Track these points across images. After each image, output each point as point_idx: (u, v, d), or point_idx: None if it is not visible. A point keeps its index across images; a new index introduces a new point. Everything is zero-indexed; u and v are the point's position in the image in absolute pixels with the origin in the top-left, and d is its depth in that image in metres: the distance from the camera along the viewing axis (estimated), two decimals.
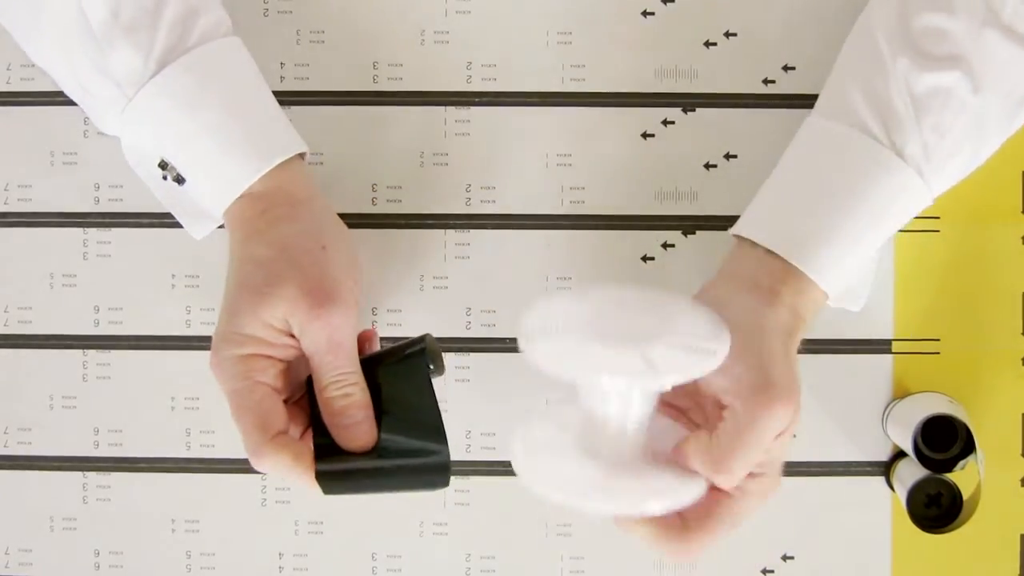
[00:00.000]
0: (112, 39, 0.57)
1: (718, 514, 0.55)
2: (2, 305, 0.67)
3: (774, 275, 0.57)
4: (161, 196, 0.61)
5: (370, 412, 0.57)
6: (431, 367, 0.58)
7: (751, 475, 0.54)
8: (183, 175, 0.59)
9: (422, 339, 0.59)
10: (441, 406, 0.66)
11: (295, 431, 0.58)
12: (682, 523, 0.55)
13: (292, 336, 0.57)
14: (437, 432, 0.57)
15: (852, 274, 0.58)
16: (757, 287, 0.57)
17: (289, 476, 0.56)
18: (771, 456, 0.55)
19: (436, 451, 0.57)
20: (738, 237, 0.59)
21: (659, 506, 0.51)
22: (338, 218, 0.61)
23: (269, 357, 0.57)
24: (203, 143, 0.58)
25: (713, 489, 0.54)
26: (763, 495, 0.55)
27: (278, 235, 0.58)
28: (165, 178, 0.59)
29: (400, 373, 0.58)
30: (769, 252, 0.57)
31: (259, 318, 0.56)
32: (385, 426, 0.57)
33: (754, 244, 0.58)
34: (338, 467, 0.57)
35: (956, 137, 0.56)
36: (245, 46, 0.60)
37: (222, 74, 0.59)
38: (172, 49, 0.58)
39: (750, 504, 0.55)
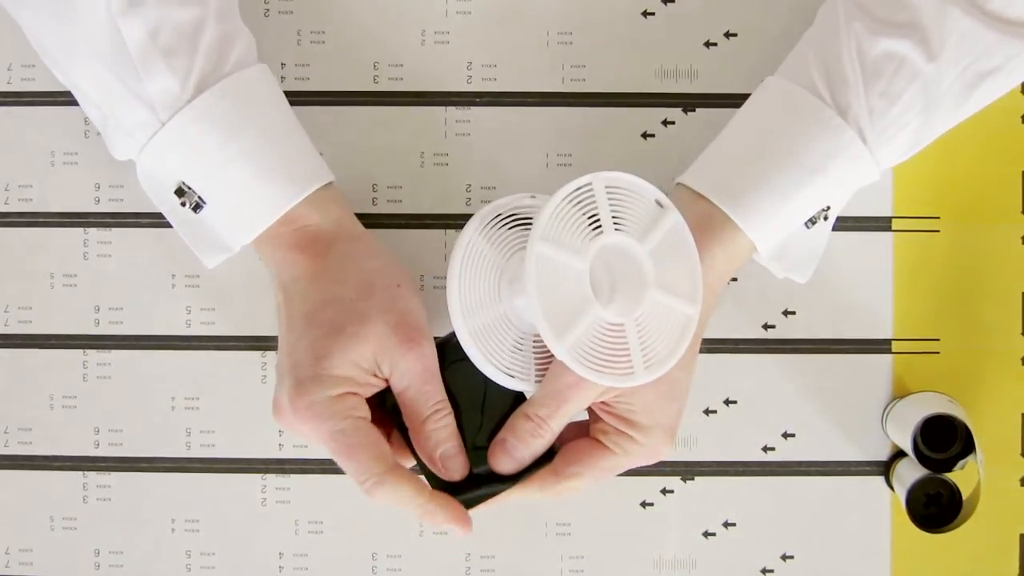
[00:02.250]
0: (149, 62, 0.57)
1: (588, 462, 0.58)
2: (2, 305, 0.67)
3: (700, 215, 0.58)
4: (175, 223, 0.61)
5: (461, 443, 0.58)
6: None
7: (622, 433, 0.58)
8: (205, 200, 0.59)
9: None
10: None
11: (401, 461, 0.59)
12: (552, 470, 0.59)
13: (375, 376, 0.57)
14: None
15: (781, 230, 0.59)
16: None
17: (408, 506, 0.56)
18: (652, 418, 0.57)
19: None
20: (677, 186, 0.60)
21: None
22: (385, 247, 0.61)
23: (357, 395, 0.57)
24: (238, 169, 0.58)
25: (589, 439, 0.59)
26: (638, 457, 0.58)
27: (357, 272, 0.58)
28: (184, 204, 0.59)
29: (465, 372, 0.58)
30: (698, 195, 0.59)
31: (349, 359, 0.56)
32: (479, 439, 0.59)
33: (687, 189, 0.59)
34: (477, 494, 0.58)
35: (905, 105, 0.56)
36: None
37: (258, 101, 0.59)
38: (210, 75, 0.57)
39: (621, 463, 0.58)
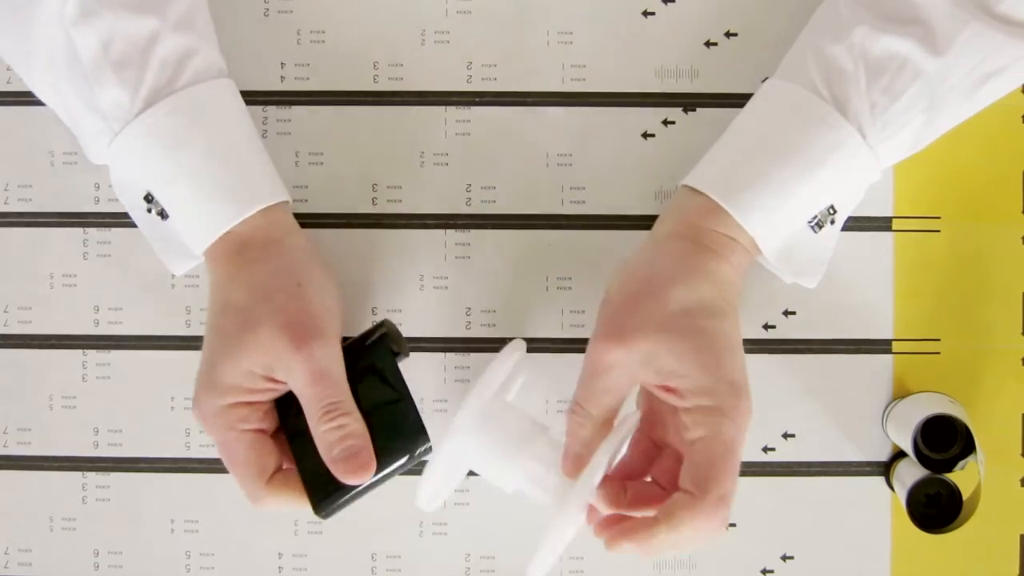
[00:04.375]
0: (101, 74, 0.57)
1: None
2: (2, 305, 0.67)
3: (700, 213, 0.58)
4: (144, 229, 0.61)
5: (367, 441, 0.57)
6: (396, 351, 0.59)
7: (695, 407, 0.55)
8: (166, 211, 0.59)
9: (382, 324, 0.59)
10: (441, 406, 0.66)
11: (289, 462, 0.59)
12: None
13: (273, 380, 0.57)
14: (417, 426, 0.57)
15: (782, 227, 0.58)
16: (694, 237, 0.58)
17: (290, 509, 0.57)
18: (710, 373, 0.54)
19: (420, 444, 0.57)
20: (680, 187, 0.60)
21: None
22: (316, 253, 0.61)
23: (250, 403, 0.57)
24: (183, 185, 0.58)
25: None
26: (730, 425, 0.54)
27: (251, 277, 0.58)
28: (150, 211, 0.59)
29: (368, 365, 0.58)
30: (697, 192, 0.58)
31: (239, 367, 0.56)
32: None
33: (688, 189, 0.59)
34: (338, 500, 0.57)
35: (908, 103, 0.56)
36: (235, 87, 0.61)
37: (208, 117, 0.58)
38: (160, 89, 0.57)
39: (719, 439, 0.54)
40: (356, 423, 0.56)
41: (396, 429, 0.58)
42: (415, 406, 0.58)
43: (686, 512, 0.53)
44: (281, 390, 0.57)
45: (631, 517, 0.56)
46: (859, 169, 0.58)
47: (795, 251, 0.59)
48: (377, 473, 0.57)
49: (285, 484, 0.57)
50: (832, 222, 0.59)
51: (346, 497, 0.57)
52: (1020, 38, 0.55)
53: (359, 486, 0.57)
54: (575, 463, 0.56)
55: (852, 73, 0.57)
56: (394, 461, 0.57)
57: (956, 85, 0.56)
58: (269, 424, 0.58)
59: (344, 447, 0.56)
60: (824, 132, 0.57)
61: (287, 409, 0.58)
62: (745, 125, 0.60)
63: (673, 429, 0.57)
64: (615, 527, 0.55)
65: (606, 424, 0.57)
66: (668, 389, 0.55)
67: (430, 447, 0.58)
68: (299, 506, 0.57)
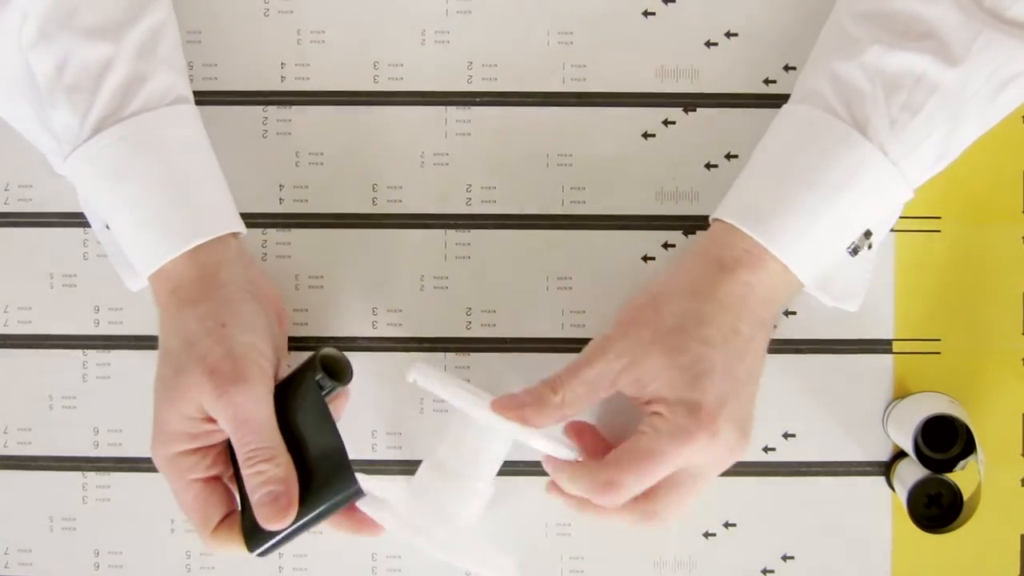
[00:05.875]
0: (54, 96, 0.57)
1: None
2: (2, 305, 0.67)
3: (733, 247, 0.57)
4: (104, 244, 0.62)
5: (290, 486, 0.56)
6: (325, 386, 0.58)
7: (650, 413, 0.56)
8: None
9: (312, 357, 0.59)
10: (442, 406, 0.66)
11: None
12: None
13: (213, 421, 0.57)
14: (343, 468, 0.56)
15: (817, 254, 0.57)
16: (716, 261, 0.57)
17: (236, 553, 0.59)
18: (675, 392, 0.55)
19: (346, 487, 0.57)
20: (712, 221, 0.60)
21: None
22: (252, 286, 0.60)
23: (198, 449, 0.58)
24: (123, 216, 0.58)
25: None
26: (674, 440, 0.55)
27: (181, 322, 0.58)
28: (108, 227, 0.60)
29: (299, 402, 0.58)
30: (729, 227, 0.58)
31: (178, 412, 0.57)
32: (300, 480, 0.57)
33: (719, 222, 0.59)
34: (268, 541, 0.58)
35: (928, 116, 0.56)
36: (198, 115, 0.61)
37: (153, 147, 0.58)
38: (108, 116, 0.57)
39: (654, 444, 0.56)
40: (276, 468, 0.56)
41: (327, 469, 0.57)
42: (342, 447, 0.57)
43: (578, 469, 0.57)
44: (226, 432, 0.58)
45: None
46: (888, 188, 0.57)
47: (832, 277, 0.60)
48: (302, 516, 0.57)
49: (229, 532, 0.58)
50: (869, 246, 0.59)
51: (278, 538, 0.58)
52: None
53: (290, 531, 0.57)
54: (512, 400, 0.57)
55: (870, 92, 0.56)
56: (321, 503, 0.57)
57: (975, 95, 0.56)
58: (222, 468, 0.59)
59: (263, 493, 0.56)
60: (845, 152, 0.56)
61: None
62: (768, 152, 0.59)
63: None
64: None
65: (566, 407, 0.57)
66: (645, 403, 0.57)
67: (358, 490, 0.56)
68: (241, 550, 0.58)
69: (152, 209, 0.58)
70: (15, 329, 0.67)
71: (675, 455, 0.55)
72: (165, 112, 0.59)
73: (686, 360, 0.55)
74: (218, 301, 0.58)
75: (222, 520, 0.59)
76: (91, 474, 0.67)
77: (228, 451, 0.59)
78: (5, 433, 0.67)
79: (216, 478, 0.59)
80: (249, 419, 0.56)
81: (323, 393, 0.58)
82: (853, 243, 0.59)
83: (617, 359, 0.56)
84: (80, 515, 0.67)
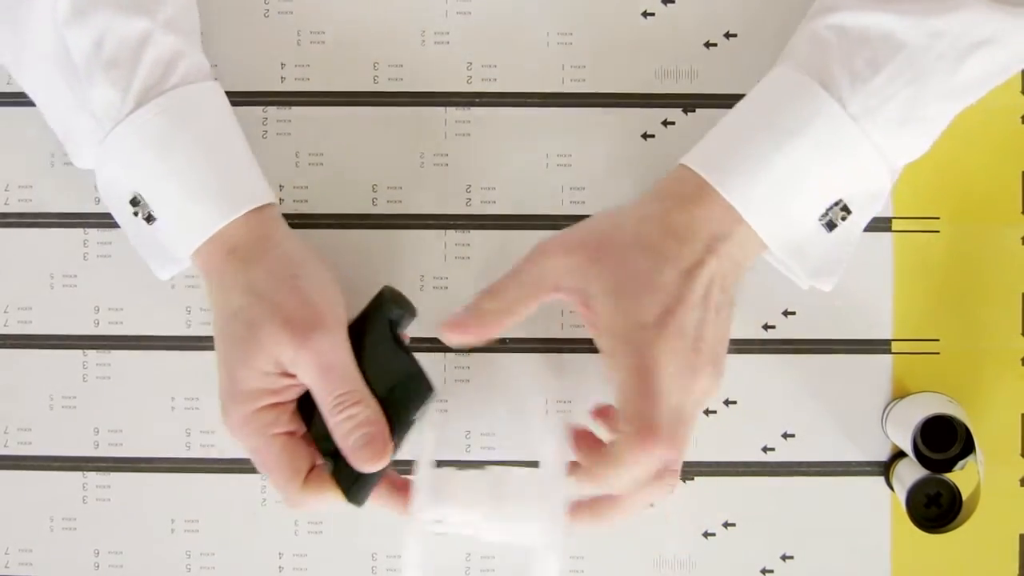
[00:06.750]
0: (92, 73, 0.57)
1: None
2: (2, 305, 0.67)
3: (685, 184, 0.57)
4: (130, 234, 0.61)
5: (382, 426, 0.57)
6: (393, 318, 0.59)
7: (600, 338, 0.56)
8: (154, 214, 0.59)
9: (379, 295, 0.60)
10: (441, 406, 0.66)
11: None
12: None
13: (291, 376, 0.57)
14: (416, 381, 0.58)
15: (773, 205, 0.56)
16: (669, 195, 0.58)
17: (330, 506, 0.58)
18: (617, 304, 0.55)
19: (427, 398, 0.59)
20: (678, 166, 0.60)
21: None
22: (307, 246, 0.61)
23: (276, 405, 0.58)
24: (172, 185, 0.58)
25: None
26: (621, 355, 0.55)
27: (247, 278, 0.58)
28: (136, 215, 0.59)
29: (372, 338, 0.58)
30: (683, 168, 0.58)
31: (253, 369, 0.56)
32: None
33: (676, 168, 0.59)
34: (367, 485, 0.58)
35: (891, 75, 0.56)
36: (222, 90, 0.61)
37: (197, 118, 0.58)
38: (150, 89, 0.57)
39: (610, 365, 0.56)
40: (367, 409, 0.57)
41: (406, 392, 0.58)
42: (416, 362, 0.58)
43: (620, 447, 0.54)
44: (302, 385, 0.58)
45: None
46: (849, 147, 0.56)
47: (807, 248, 0.58)
48: (397, 443, 0.58)
49: (321, 483, 0.58)
50: (843, 219, 0.58)
51: (375, 480, 0.58)
52: (1002, 10, 0.55)
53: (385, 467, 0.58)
54: (455, 325, 0.58)
55: (836, 47, 0.56)
56: (409, 425, 0.58)
57: (939, 57, 0.56)
58: (297, 426, 0.59)
59: (358, 436, 0.57)
60: (802, 103, 0.56)
61: (308, 408, 0.58)
62: (737, 109, 0.60)
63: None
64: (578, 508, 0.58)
65: (508, 312, 0.58)
66: (584, 306, 0.57)
67: (435, 394, 0.59)
68: (337, 500, 0.58)
69: (204, 176, 0.58)
70: (15, 329, 0.67)
71: (660, 364, 0.54)
72: (201, 87, 0.59)
73: (625, 274, 0.56)
74: (282, 255, 0.58)
75: (308, 472, 0.59)
76: (91, 474, 0.67)
77: (299, 411, 0.59)
78: (5, 433, 0.67)
79: (294, 433, 0.59)
80: (333, 365, 0.56)
81: (395, 327, 0.59)
82: (826, 214, 0.57)
83: (566, 260, 0.57)
84: (80, 515, 0.67)
